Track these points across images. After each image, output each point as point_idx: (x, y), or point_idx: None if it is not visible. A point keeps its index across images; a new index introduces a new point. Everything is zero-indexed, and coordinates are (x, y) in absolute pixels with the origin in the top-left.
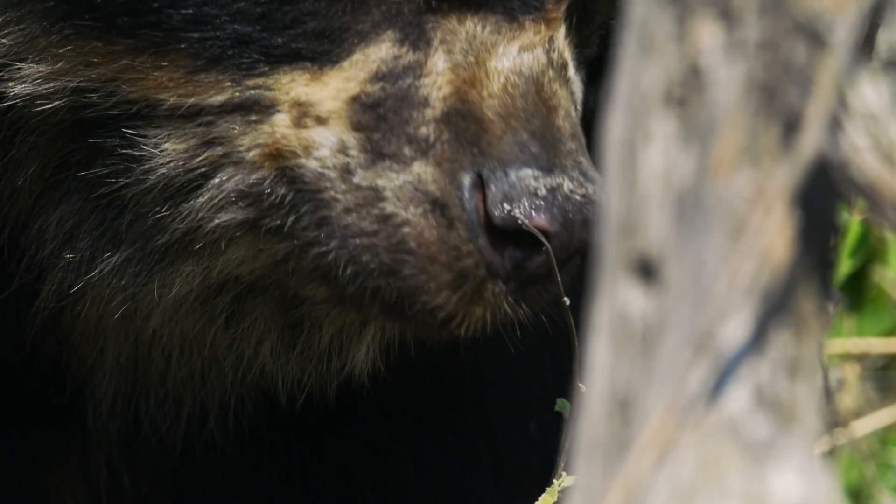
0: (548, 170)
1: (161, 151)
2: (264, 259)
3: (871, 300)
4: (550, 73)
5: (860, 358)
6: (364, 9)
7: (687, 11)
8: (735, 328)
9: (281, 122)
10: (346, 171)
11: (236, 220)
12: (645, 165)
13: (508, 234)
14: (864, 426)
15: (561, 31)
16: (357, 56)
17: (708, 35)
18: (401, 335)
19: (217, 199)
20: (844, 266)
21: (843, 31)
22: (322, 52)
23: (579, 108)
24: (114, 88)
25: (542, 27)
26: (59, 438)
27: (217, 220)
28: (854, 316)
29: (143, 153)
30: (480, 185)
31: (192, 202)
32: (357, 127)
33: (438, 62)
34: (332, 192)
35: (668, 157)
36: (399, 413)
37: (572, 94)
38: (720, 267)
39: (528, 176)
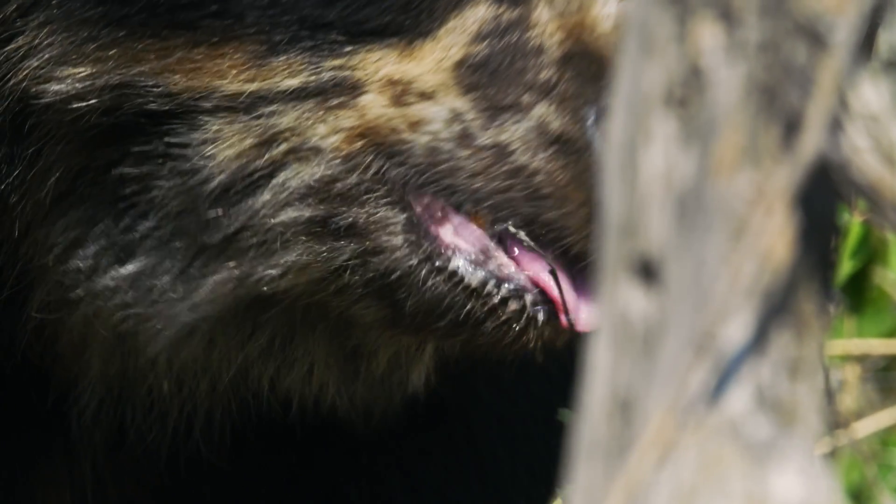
0: None
1: (210, 157)
2: (316, 270)
3: (871, 301)
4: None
5: (861, 359)
6: None
7: (687, 12)
8: (736, 329)
9: (374, 103)
10: (464, 137)
11: (303, 217)
12: (646, 166)
13: None
14: (865, 427)
15: None
16: (452, 23)
17: (708, 36)
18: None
19: (282, 197)
20: (845, 267)
21: (843, 32)
22: (411, 24)
23: None
24: (160, 80)
25: None
26: (44, 445)
27: (280, 218)
28: (855, 317)
29: (188, 164)
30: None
31: (250, 201)
32: (469, 89)
33: (542, 14)
34: (452, 163)
35: (669, 158)
36: (383, 426)
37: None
38: (721, 268)
39: None
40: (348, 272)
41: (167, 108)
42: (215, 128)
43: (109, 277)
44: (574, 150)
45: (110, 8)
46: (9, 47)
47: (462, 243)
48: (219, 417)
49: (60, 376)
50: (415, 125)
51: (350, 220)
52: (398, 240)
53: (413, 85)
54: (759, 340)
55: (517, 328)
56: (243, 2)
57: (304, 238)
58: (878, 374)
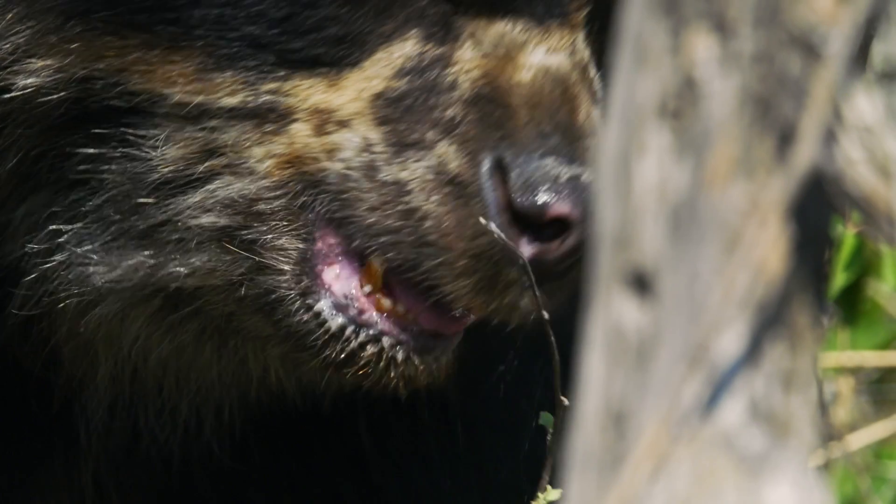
0: (570, 161)
1: (159, 153)
2: (218, 278)
3: (865, 313)
4: (575, 74)
5: (855, 371)
6: (388, 13)
7: (681, 23)
8: (729, 341)
9: (300, 132)
10: (370, 169)
11: (218, 224)
12: (639, 178)
13: (527, 223)
14: (859, 439)
15: (582, 35)
16: (380, 55)
17: (702, 47)
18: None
19: (208, 203)
20: (839, 279)
21: (837, 44)
22: (341, 56)
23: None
24: (121, 78)
25: (567, 31)
26: (43, 452)
27: (198, 221)
28: (849, 329)
29: (139, 151)
30: (501, 169)
31: (180, 200)
32: (382, 122)
33: (466, 53)
34: (356, 192)
35: (663, 170)
36: (385, 426)
37: (594, 94)
38: (715, 280)
39: (550, 164)
40: (244, 286)
41: (127, 105)
42: (167, 130)
43: (65, 240)
44: (464, 195)
45: (69, 2)
46: None
47: (336, 286)
48: (228, 413)
49: (64, 383)
50: (331, 153)
51: (254, 236)
52: (285, 267)
53: (334, 114)
54: (752, 352)
55: (376, 370)
56: (194, 13)
57: (213, 245)
58: (872, 387)
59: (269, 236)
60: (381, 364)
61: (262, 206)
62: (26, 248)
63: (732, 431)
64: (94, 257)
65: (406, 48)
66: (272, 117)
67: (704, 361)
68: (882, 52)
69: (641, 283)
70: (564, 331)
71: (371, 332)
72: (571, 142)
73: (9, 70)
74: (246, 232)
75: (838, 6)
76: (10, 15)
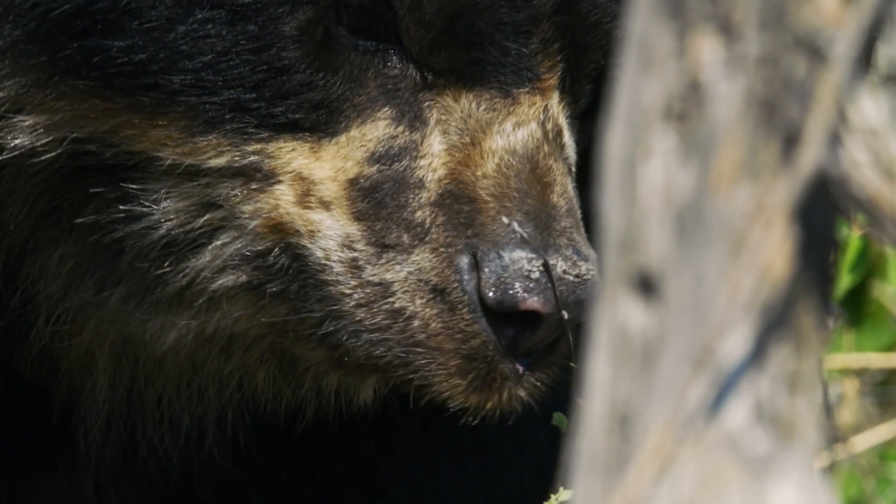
0: (542, 249)
1: (161, 208)
2: (263, 321)
3: (870, 315)
4: (546, 148)
5: (860, 373)
6: (361, 81)
7: (687, 26)
8: (735, 343)
9: (284, 196)
10: (354, 267)
11: (238, 281)
12: (645, 181)
13: (504, 315)
14: (864, 441)
15: (555, 98)
16: (354, 132)
17: (708, 50)
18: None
19: (219, 261)
20: (844, 281)
21: (842, 46)
22: (320, 123)
23: (573, 170)
24: (113, 141)
25: (538, 98)
26: (45, 462)
27: (219, 282)
28: (854, 331)
29: (142, 207)
30: (476, 267)
31: (192, 262)
32: (359, 217)
33: (434, 143)
34: (342, 288)
35: (668, 173)
36: (391, 431)
37: (568, 162)
38: (720, 282)
39: (520, 258)
40: (291, 326)
41: (122, 163)
42: (165, 186)
43: (105, 302)
44: (448, 301)
45: (52, 61)
46: None
47: None
48: (230, 422)
49: (64, 393)
50: (312, 233)
51: (282, 287)
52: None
53: (316, 188)
54: (757, 354)
55: None
56: (173, 78)
57: (245, 295)
58: (877, 388)
59: (295, 288)
60: None
61: (270, 260)
62: (59, 290)
63: (737, 433)
64: (139, 318)
65: (378, 130)
66: (258, 176)
67: (710, 363)
68: (887, 54)
69: (647, 286)
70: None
71: None
72: (543, 227)
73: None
74: (269, 286)
75: (843, 9)
76: None
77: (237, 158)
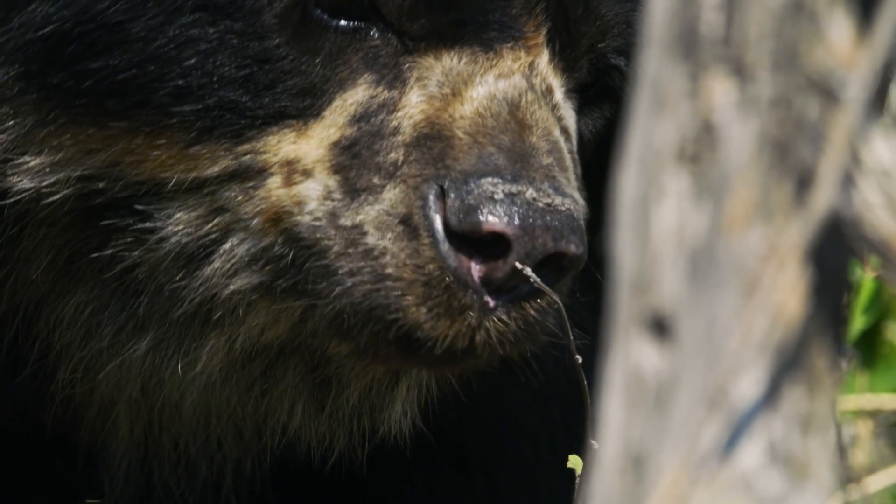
0: (511, 179)
1: (172, 220)
2: (284, 323)
3: (883, 357)
4: (529, 95)
5: (873, 414)
6: (342, 58)
7: (700, 68)
8: (748, 384)
9: (274, 185)
10: (332, 216)
11: (251, 283)
12: (658, 222)
13: (472, 243)
14: (877, 482)
15: (544, 57)
16: (336, 103)
17: (721, 91)
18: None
19: (230, 265)
20: (857, 323)
21: (855, 88)
22: (305, 107)
23: (572, 134)
24: (118, 173)
25: (522, 54)
26: None
27: (232, 286)
28: (867, 372)
29: (155, 224)
30: (443, 196)
31: (205, 269)
32: (337, 169)
33: (413, 97)
34: (325, 241)
35: (681, 214)
36: (404, 476)
37: (560, 118)
38: (733, 323)
39: (487, 183)
40: (309, 322)
41: (129, 194)
42: (173, 204)
43: (131, 352)
44: (414, 230)
45: (46, 94)
46: None
47: None
48: (248, 467)
49: (87, 440)
50: (299, 204)
51: (290, 283)
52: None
53: (299, 163)
54: (771, 396)
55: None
56: (163, 89)
57: (261, 300)
58: (890, 430)
59: (301, 280)
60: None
61: (276, 255)
62: (77, 339)
63: (751, 474)
64: (166, 361)
65: (358, 94)
66: (251, 174)
67: (723, 404)
68: None
69: (660, 327)
70: (590, 375)
71: None
72: (518, 160)
73: (5, 169)
74: (280, 282)
75: (856, 50)
76: None
77: (232, 161)
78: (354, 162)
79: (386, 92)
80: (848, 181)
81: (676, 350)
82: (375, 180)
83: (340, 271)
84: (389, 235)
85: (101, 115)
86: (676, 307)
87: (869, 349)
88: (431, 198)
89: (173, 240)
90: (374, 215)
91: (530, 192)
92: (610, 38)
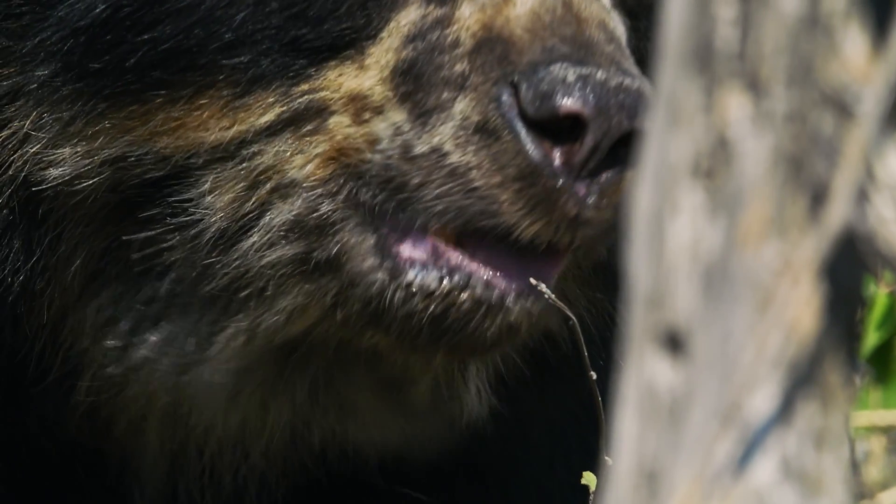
0: (579, 63)
1: (207, 209)
2: (314, 309)
3: None
4: None
5: (886, 430)
6: None
7: (715, 83)
8: (762, 400)
9: (340, 124)
10: (405, 149)
11: (286, 256)
12: (672, 237)
13: (552, 131)
14: (891, 498)
15: None
16: (392, 25)
17: (736, 106)
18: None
19: (267, 237)
20: (871, 338)
21: (870, 102)
22: (361, 33)
23: (622, 38)
24: (150, 147)
25: None
26: None
27: (267, 259)
28: (880, 388)
29: (190, 217)
30: (516, 92)
31: (241, 244)
32: (403, 98)
33: (465, 11)
34: (400, 178)
35: (696, 229)
36: (421, 489)
37: (611, 16)
38: (747, 338)
39: (557, 69)
40: (340, 307)
41: (164, 172)
42: (210, 181)
43: (144, 349)
44: (494, 134)
45: (87, 82)
46: (3, 134)
47: (416, 255)
48: (273, 480)
49: (116, 454)
50: (371, 143)
51: (326, 253)
52: (369, 264)
53: (368, 100)
54: (785, 411)
55: (475, 319)
56: (213, 49)
57: (292, 279)
58: None
59: (338, 245)
60: (480, 312)
61: (316, 217)
62: (97, 342)
63: (765, 490)
64: (192, 353)
65: (410, 14)
66: (309, 116)
67: (737, 420)
68: None
69: (674, 342)
70: (605, 389)
71: (461, 276)
72: (579, 47)
73: (41, 164)
74: (318, 252)
75: (871, 65)
76: (34, 113)
77: (285, 108)
78: (419, 84)
79: (438, 9)
80: (862, 196)
81: (690, 365)
82: (445, 95)
83: (427, 198)
84: (470, 147)
85: (144, 90)
86: (691, 322)
87: (883, 365)
88: (505, 96)
89: (211, 229)
90: (451, 133)
91: (600, 74)
92: None
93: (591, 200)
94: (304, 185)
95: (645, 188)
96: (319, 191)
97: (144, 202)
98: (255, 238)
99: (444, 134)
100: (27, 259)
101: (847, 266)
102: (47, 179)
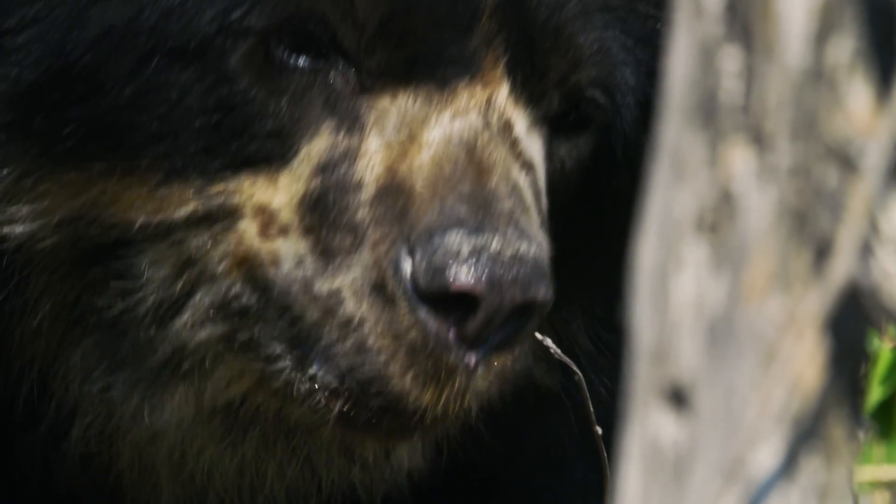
0: (475, 230)
1: (147, 279)
2: (249, 380)
3: None
4: (486, 135)
5: (890, 485)
6: (307, 101)
7: (719, 136)
8: (766, 455)
9: (247, 230)
10: (306, 284)
11: (215, 334)
12: (676, 292)
13: (445, 302)
14: None
15: (502, 90)
16: (303, 152)
17: (740, 160)
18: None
19: (197, 316)
20: (875, 393)
21: (874, 156)
22: (275, 152)
23: (536, 166)
24: (95, 214)
25: (478, 89)
26: None
27: (198, 337)
28: (884, 443)
29: (133, 281)
30: (412, 256)
31: (176, 321)
32: (307, 230)
33: (372, 143)
34: (298, 307)
35: (700, 284)
36: None
37: (519, 154)
38: (751, 393)
39: (451, 239)
40: (266, 384)
41: (112, 238)
42: (148, 255)
43: (111, 389)
44: (389, 296)
45: (31, 141)
46: None
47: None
48: None
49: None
50: (274, 262)
51: (248, 335)
52: (278, 351)
53: (275, 217)
54: (788, 466)
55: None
56: (136, 135)
57: (226, 353)
58: None
59: (257, 331)
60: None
61: (235, 306)
62: (82, 390)
63: None
64: (141, 398)
65: (322, 143)
66: (222, 216)
67: (741, 475)
68: None
69: (678, 397)
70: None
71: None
72: (480, 208)
73: (0, 218)
74: (240, 334)
75: (875, 118)
76: None
77: (202, 203)
78: (324, 221)
79: (346, 139)
80: (866, 250)
81: (694, 420)
82: (347, 242)
83: (321, 342)
84: (366, 302)
85: (81, 160)
86: (694, 377)
87: (886, 420)
88: (401, 261)
89: (149, 301)
90: (349, 282)
91: (495, 243)
92: (584, 69)
93: (480, 369)
94: (222, 278)
95: (649, 242)
96: (237, 286)
97: (97, 260)
98: (186, 316)
99: (343, 282)
100: None
101: (851, 321)
102: (8, 238)
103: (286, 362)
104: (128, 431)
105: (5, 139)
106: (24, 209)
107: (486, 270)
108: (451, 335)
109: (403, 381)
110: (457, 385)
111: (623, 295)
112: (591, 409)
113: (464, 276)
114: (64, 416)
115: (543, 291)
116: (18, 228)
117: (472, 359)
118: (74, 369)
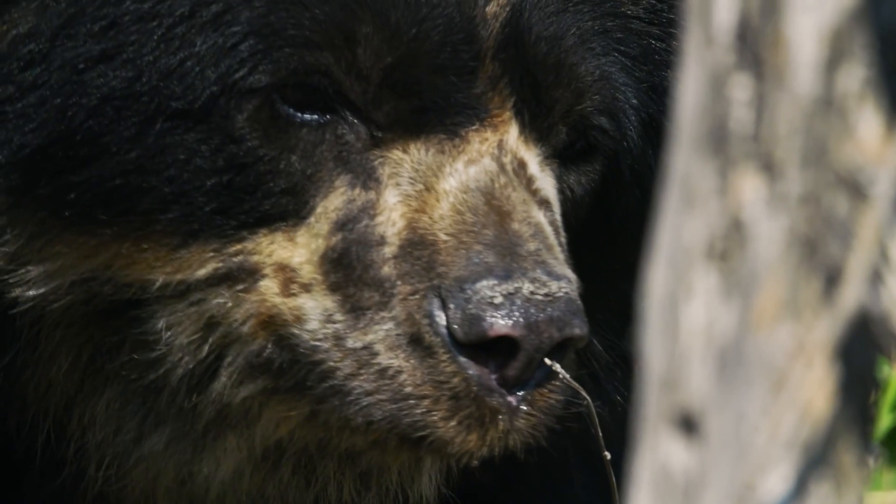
0: (505, 276)
1: (170, 342)
2: (297, 418)
3: None
4: (502, 179)
5: None
6: (318, 157)
7: (729, 165)
8: (776, 481)
9: (269, 290)
10: (337, 339)
11: (257, 389)
12: (687, 320)
13: (485, 347)
14: None
15: (512, 131)
16: (320, 209)
17: (750, 188)
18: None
19: (234, 378)
20: (885, 420)
21: (884, 184)
22: (290, 208)
23: (552, 202)
24: (111, 275)
25: (489, 133)
26: None
27: (240, 395)
28: (894, 470)
29: (153, 338)
30: (444, 306)
31: (214, 385)
32: (334, 288)
33: (389, 197)
34: (331, 363)
35: (710, 311)
36: None
37: (536, 192)
38: (761, 420)
39: (483, 287)
40: (320, 417)
41: (126, 297)
42: (164, 314)
43: (153, 444)
44: (426, 348)
45: (38, 205)
46: None
47: None
48: None
49: None
50: (298, 319)
51: (294, 380)
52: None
53: (296, 274)
54: (798, 493)
55: None
56: (146, 199)
57: (271, 400)
58: None
59: (298, 378)
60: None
61: (275, 362)
62: (108, 435)
63: None
64: (191, 453)
65: (337, 199)
66: (243, 276)
67: (751, 502)
68: None
69: (688, 424)
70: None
71: None
72: (506, 253)
73: (10, 279)
74: (283, 381)
75: (885, 146)
76: None
77: (221, 263)
78: (351, 278)
79: (363, 194)
80: (876, 278)
81: (704, 447)
82: (375, 298)
83: (355, 391)
84: (402, 354)
85: (90, 224)
86: (705, 404)
87: None
88: (435, 313)
89: (178, 370)
90: (383, 335)
91: (527, 287)
92: (588, 97)
93: (523, 408)
94: (250, 339)
95: (659, 270)
96: (266, 345)
97: (111, 318)
98: (224, 379)
99: (377, 336)
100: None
101: (861, 348)
102: (20, 300)
103: (335, 402)
104: (170, 478)
105: (13, 202)
106: (35, 270)
107: (522, 313)
108: (493, 379)
109: (447, 425)
110: (500, 426)
111: (635, 314)
112: (600, 433)
113: (501, 321)
114: (82, 461)
115: (579, 326)
116: (31, 291)
117: (514, 399)
118: (99, 419)
